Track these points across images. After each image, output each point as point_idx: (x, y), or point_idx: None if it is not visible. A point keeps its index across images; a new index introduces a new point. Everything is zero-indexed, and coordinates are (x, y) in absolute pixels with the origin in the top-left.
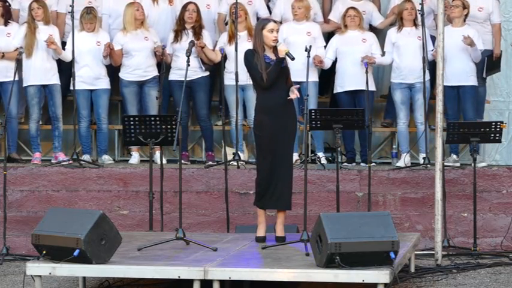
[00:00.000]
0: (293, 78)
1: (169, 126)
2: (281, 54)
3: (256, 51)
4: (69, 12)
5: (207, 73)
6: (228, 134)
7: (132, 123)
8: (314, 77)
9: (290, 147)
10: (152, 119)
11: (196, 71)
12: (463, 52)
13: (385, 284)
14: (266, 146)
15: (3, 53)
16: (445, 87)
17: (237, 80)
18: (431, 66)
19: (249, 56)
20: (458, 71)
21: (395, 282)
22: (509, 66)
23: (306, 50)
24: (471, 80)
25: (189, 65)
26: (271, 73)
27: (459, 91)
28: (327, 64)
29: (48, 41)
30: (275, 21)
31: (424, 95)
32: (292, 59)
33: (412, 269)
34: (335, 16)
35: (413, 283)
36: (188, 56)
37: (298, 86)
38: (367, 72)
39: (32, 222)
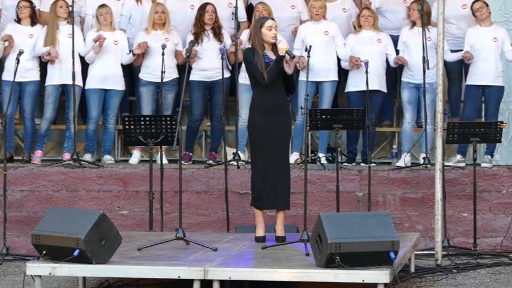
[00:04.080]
0: (311, 78)
1: (169, 126)
2: (281, 53)
3: (256, 50)
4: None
5: (229, 74)
6: (236, 134)
7: (132, 123)
8: (333, 76)
9: (285, 146)
10: (152, 119)
11: (219, 72)
12: (493, 52)
13: (385, 284)
14: (260, 144)
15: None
16: (471, 87)
17: (237, 80)
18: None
19: (249, 54)
20: (488, 71)
21: (395, 282)
22: (509, 66)
23: (306, 50)
24: (499, 81)
25: (190, 67)
26: (271, 71)
27: (485, 91)
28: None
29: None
30: (273, 19)
31: (424, 95)
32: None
33: (412, 269)
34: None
35: (413, 283)
36: (188, 56)
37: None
38: (367, 72)
39: (32, 222)
